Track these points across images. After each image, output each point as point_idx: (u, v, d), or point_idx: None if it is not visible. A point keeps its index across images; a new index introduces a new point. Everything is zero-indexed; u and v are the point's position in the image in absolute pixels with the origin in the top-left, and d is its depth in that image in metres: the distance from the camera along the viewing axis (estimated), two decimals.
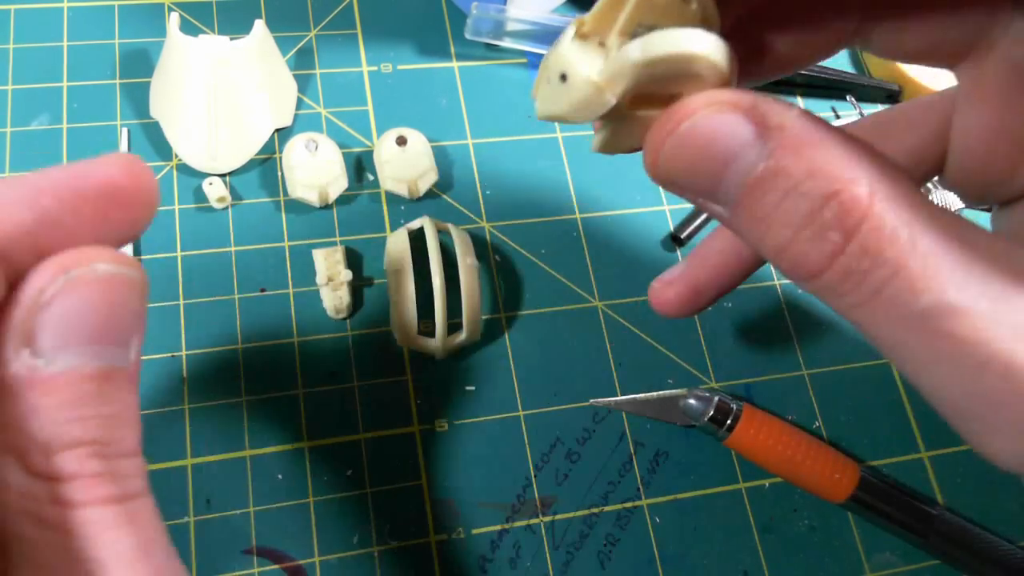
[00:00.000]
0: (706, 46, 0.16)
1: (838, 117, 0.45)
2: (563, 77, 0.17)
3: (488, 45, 0.44)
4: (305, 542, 0.32)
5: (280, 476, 0.33)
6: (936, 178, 0.22)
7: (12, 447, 0.15)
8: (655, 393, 0.36)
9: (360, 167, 0.40)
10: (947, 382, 0.15)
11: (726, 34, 0.18)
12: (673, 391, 0.37)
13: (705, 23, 0.17)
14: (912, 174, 0.22)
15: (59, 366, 0.15)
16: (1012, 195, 0.19)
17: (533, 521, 0.34)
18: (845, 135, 0.16)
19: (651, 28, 0.17)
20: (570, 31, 0.18)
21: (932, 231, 0.14)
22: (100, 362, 0.15)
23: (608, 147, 0.19)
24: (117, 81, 0.39)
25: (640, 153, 0.18)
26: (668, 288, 0.27)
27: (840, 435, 0.38)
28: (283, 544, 0.32)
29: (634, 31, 0.17)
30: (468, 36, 0.42)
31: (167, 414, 0.33)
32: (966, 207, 0.42)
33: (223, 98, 0.38)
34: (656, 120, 0.17)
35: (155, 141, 0.38)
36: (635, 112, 0.18)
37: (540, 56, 0.44)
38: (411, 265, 0.35)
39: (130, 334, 0.16)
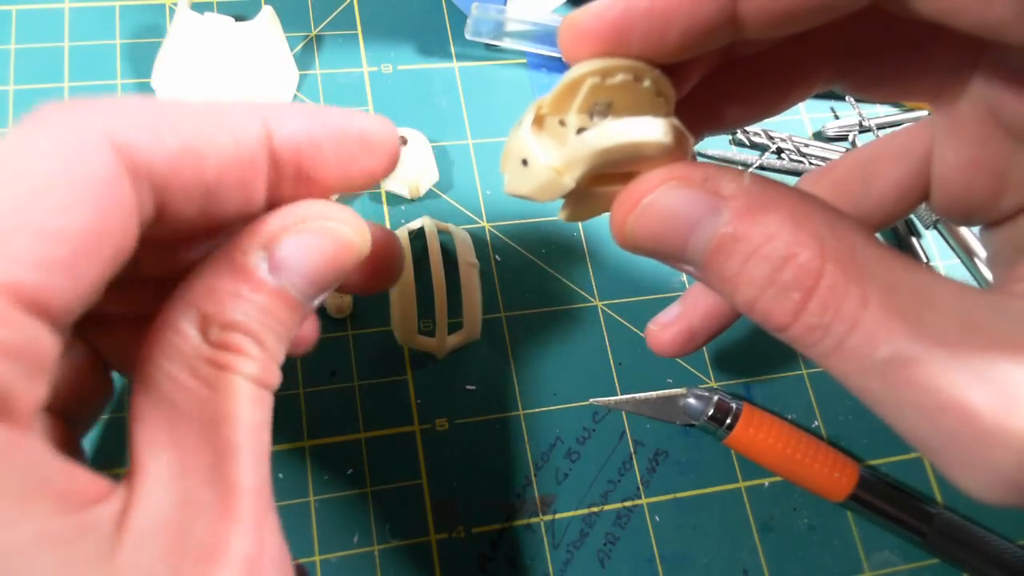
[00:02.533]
0: (654, 133, 0.17)
1: (837, 117, 0.46)
2: (524, 162, 0.18)
3: (488, 45, 0.44)
4: (305, 541, 0.32)
5: (280, 475, 0.33)
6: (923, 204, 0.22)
7: (202, 309, 0.18)
8: (655, 393, 0.37)
9: None
10: (913, 424, 0.15)
11: (687, 98, 0.19)
12: (673, 390, 0.37)
13: (660, 96, 0.18)
14: (900, 206, 0.23)
15: (278, 280, 0.18)
16: (996, 219, 0.20)
17: (533, 520, 0.34)
18: (797, 195, 0.17)
19: (608, 104, 0.18)
20: (529, 117, 0.18)
21: (885, 284, 0.15)
22: (299, 296, 0.19)
23: (575, 218, 0.20)
24: (118, 81, 0.40)
25: None
26: (664, 332, 0.28)
27: (840, 434, 0.38)
28: None
29: (592, 108, 0.18)
30: (468, 36, 0.42)
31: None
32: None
33: (220, 75, 0.39)
34: (617, 196, 0.18)
35: None
36: (596, 189, 0.19)
37: (540, 56, 0.44)
38: (411, 265, 0.35)
39: (327, 287, 0.19)
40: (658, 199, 0.17)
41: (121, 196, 0.16)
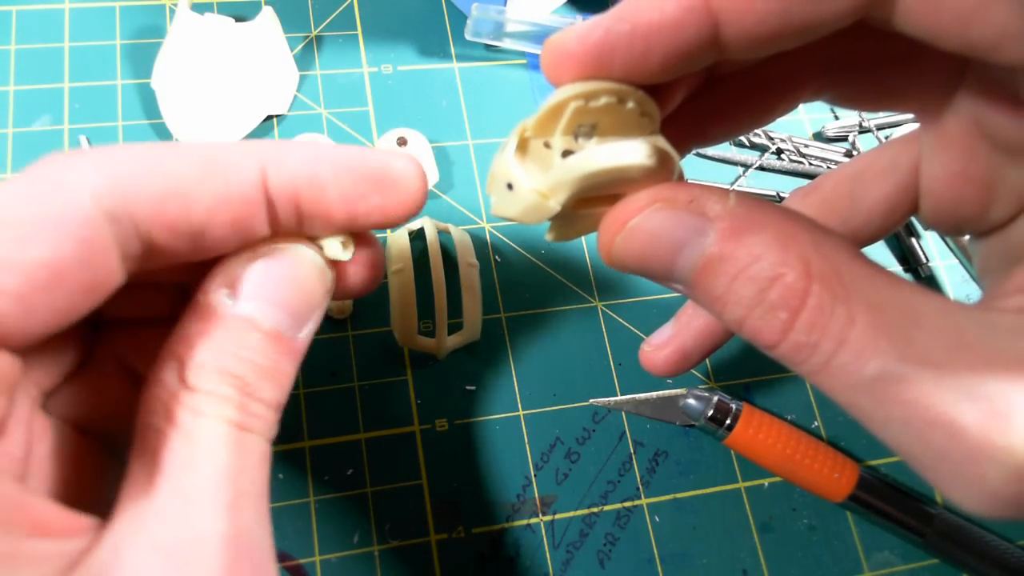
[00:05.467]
0: (637, 156, 0.17)
1: (837, 118, 0.46)
2: (509, 186, 0.18)
3: (488, 46, 0.44)
4: (306, 541, 0.32)
5: (281, 476, 0.33)
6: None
7: (178, 356, 0.18)
8: (655, 393, 0.37)
9: None
10: (902, 440, 0.16)
11: (673, 114, 0.19)
12: (673, 391, 0.37)
13: (645, 116, 0.18)
14: (889, 220, 0.23)
15: (241, 310, 0.18)
16: (985, 229, 0.20)
17: (533, 520, 0.34)
18: (783, 215, 0.17)
19: (593, 126, 0.18)
20: (513, 141, 0.19)
21: (872, 303, 0.15)
22: (273, 324, 0.18)
23: (562, 238, 0.20)
24: (119, 82, 0.40)
25: None
26: (657, 353, 0.28)
27: (839, 434, 0.38)
28: (284, 543, 0.32)
29: (576, 130, 0.18)
30: (468, 37, 0.42)
31: None
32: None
33: (220, 75, 0.39)
34: (603, 218, 0.19)
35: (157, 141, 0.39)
36: (583, 210, 0.19)
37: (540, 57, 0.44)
38: (411, 265, 0.35)
39: (308, 316, 0.19)
40: (644, 222, 0.18)
41: (91, 236, 0.16)
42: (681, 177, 0.19)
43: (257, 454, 0.18)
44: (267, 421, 0.18)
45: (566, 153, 0.18)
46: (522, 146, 0.19)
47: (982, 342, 0.15)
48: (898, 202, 0.22)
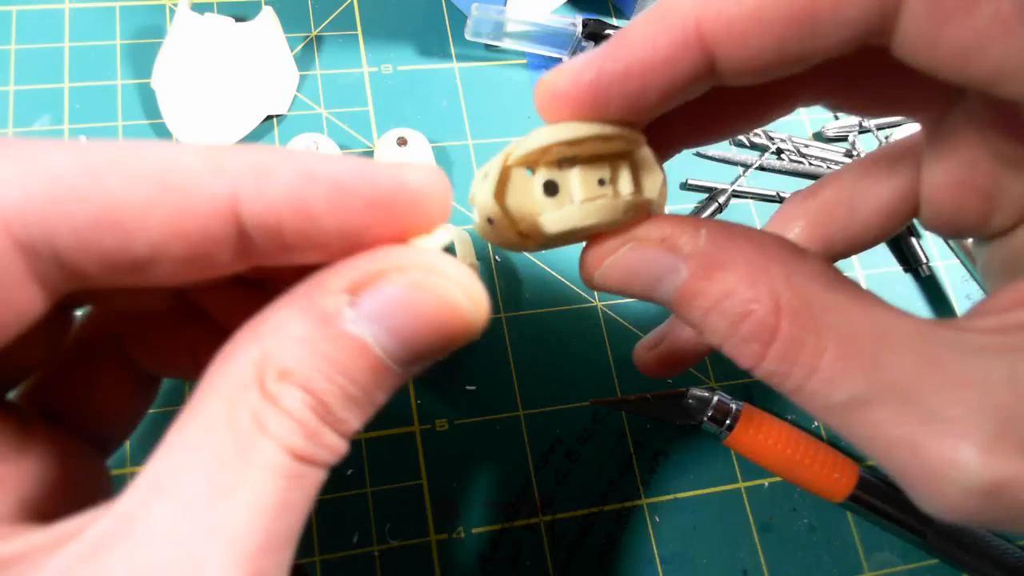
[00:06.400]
0: (611, 216, 0.18)
1: (837, 118, 0.46)
2: (490, 221, 0.19)
3: (488, 46, 0.44)
4: (305, 541, 0.32)
5: None
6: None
7: (265, 349, 0.15)
8: (655, 393, 0.37)
9: None
10: (872, 454, 0.16)
11: (669, 115, 0.19)
12: (673, 391, 0.37)
13: (632, 144, 0.19)
14: (888, 226, 0.22)
15: (359, 331, 0.15)
16: (986, 235, 0.20)
17: (533, 520, 0.34)
18: (754, 249, 0.17)
19: (573, 161, 0.18)
20: (494, 174, 0.19)
21: (843, 332, 0.16)
22: (384, 356, 0.16)
23: (544, 249, 0.21)
24: (119, 82, 0.40)
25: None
26: (651, 355, 0.29)
27: (839, 435, 0.38)
28: None
29: (558, 161, 0.18)
30: (468, 37, 0.42)
31: (169, 414, 0.33)
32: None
33: (220, 75, 0.39)
34: (581, 254, 0.19)
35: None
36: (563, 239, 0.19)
37: (540, 56, 0.44)
38: None
39: (421, 354, 0.16)
40: (618, 260, 0.18)
41: None
42: (663, 194, 0.19)
43: (310, 491, 0.15)
44: (336, 453, 0.16)
45: (548, 184, 0.18)
46: (503, 175, 0.19)
47: (951, 364, 0.15)
48: (898, 208, 0.22)
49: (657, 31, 0.16)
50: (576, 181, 0.18)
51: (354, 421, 0.16)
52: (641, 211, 0.19)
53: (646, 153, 0.19)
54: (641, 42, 0.16)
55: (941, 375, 0.15)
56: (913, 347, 0.16)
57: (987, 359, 0.15)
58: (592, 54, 0.17)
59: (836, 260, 0.23)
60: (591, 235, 0.19)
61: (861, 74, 0.20)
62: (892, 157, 0.22)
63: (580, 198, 0.18)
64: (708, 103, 0.19)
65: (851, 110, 0.21)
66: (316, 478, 0.15)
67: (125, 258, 0.14)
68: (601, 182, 0.18)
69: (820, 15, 0.15)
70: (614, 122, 0.18)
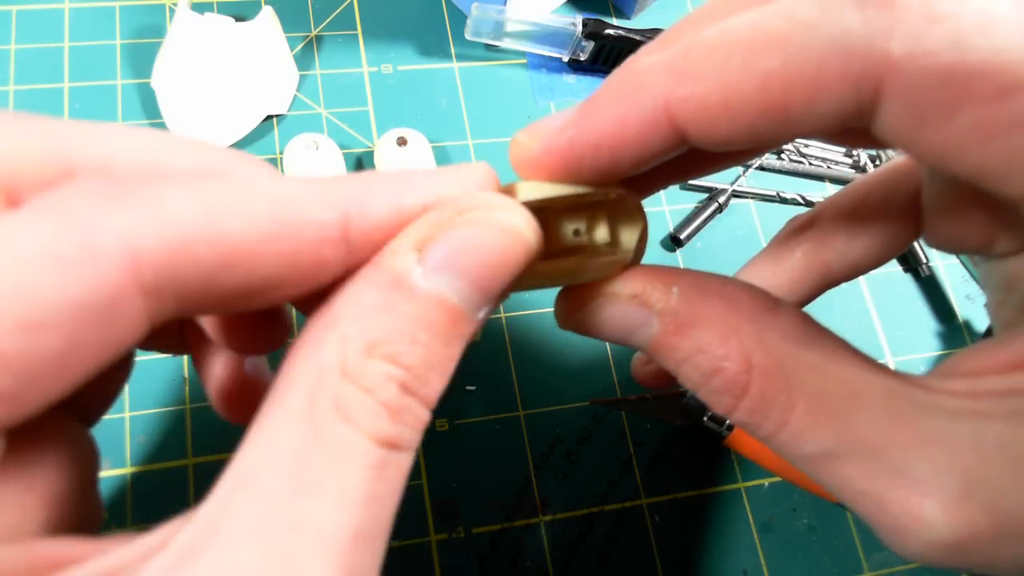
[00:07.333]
0: (591, 277, 0.18)
1: None
2: None
3: (488, 45, 0.44)
4: None
5: None
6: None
7: (343, 329, 0.15)
8: (655, 393, 0.37)
9: (360, 168, 0.40)
10: (843, 501, 0.17)
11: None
12: (673, 391, 0.37)
13: (609, 196, 0.18)
14: (890, 250, 0.22)
15: (432, 285, 0.15)
16: (992, 255, 0.20)
17: (533, 520, 0.34)
18: (726, 307, 0.17)
19: (548, 211, 0.18)
20: None
21: (814, 390, 0.16)
22: (463, 304, 0.15)
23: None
24: (119, 82, 0.40)
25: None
26: (646, 368, 0.28)
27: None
28: None
29: (534, 209, 0.18)
30: (468, 37, 0.42)
31: (169, 414, 0.33)
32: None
33: (220, 75, 0.39)
34: (555, 302, 0.20)
35: None
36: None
37: (540, 56, 0.44)
38: None
39: (495, 293, 0.16)
40: (592, 311, 0.19)
41: (115, 316, 0.13)
42: (643, 243, 0.19)
43: (398, 479, 0.15)
44: (420, 428, 0.15)
45: None
46: None
47: (920, 424, 0.16)
48: (898, 234, 0.22)
49: (627, 108, 0.16)
50: (550, 232, 0.18)
51: (437, 383, 0.16)
52: (615, 265, 0.18)
53: (626, 202, 0.18)
54: (612, 118, 0.16)
55: (910, 434, 0.16)
56: (883, 405, 0.16)
57: (956, 422, 0.16)
58: (565, 117, 0.17)
59: (835, 285, 0.23)
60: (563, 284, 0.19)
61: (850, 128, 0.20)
62: (890, 184, 0.22)
63: (551, 252, 0.18)
64: (692, 151, 0.19)
65: (839, 143, 0.21)
66: (403, 465, 0.15)
67: (242, 292, 0.15)
68: (576, 232, 0.18)
69: (793, 107, 0.15)
70: (589, 183, 0.17)
